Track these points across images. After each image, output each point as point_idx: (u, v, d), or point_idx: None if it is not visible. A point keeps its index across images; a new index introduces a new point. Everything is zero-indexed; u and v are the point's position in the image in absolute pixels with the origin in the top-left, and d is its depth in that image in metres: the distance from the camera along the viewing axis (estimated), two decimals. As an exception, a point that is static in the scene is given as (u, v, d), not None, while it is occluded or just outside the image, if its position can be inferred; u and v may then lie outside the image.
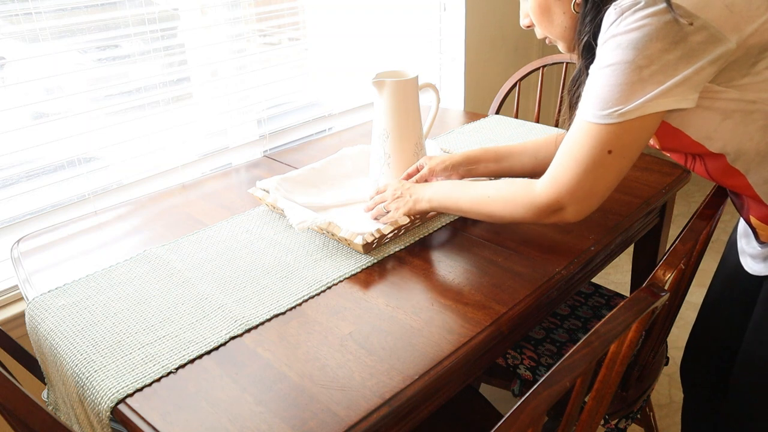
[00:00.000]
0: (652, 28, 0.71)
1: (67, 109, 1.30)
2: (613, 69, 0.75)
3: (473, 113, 1.77)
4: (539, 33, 0.94)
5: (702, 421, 1.19)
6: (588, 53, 0.83)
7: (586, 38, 0.82)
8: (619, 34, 0.73)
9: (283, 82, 1.70)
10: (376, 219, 1.09)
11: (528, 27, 0.95)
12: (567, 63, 1.73)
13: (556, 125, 1.69)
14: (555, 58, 1.77)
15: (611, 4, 0.75)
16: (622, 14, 0.73)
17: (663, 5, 0.70)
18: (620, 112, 0.75)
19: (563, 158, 0.83)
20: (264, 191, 1.19)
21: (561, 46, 0.93)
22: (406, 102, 1.14)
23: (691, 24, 0.70)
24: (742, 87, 0.75)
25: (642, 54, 0.72)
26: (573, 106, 0.89)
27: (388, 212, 1.07)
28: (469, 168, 1.14)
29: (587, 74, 0.83)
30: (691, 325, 1.16)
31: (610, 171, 0.81)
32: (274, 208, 1.16)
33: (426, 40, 2.12)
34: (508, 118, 1.68)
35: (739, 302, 1.02)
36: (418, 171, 1.14)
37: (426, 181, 1.12)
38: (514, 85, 1.81)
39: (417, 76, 1.15)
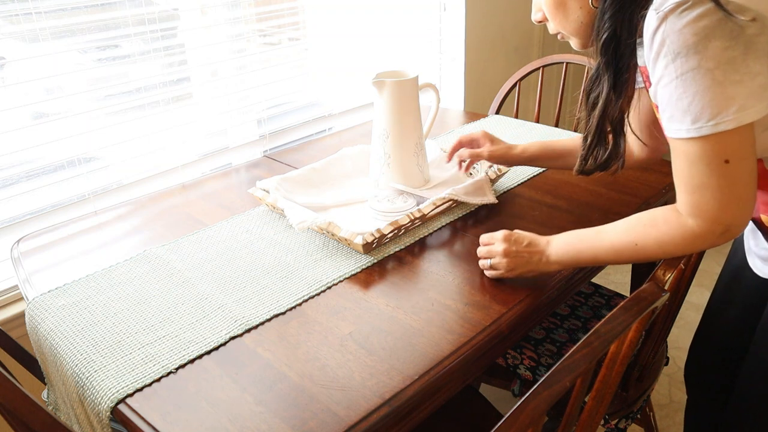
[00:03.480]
0: (706, 28, 0.67)
1: (67, 109, 1.30)
2: (683, 80, 0.70)
3: (473, 113, 1.77)
4: (552, 28, 0.90)
5: (705, 423, 1.18)
6: (606, 51, 0.79)
7: (605, 35, 0.78)
8: (671, 43, 0.69)
9: (283, 82, 1.70)
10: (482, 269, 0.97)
11: (540, 22, 0.91)
12: (567, 63, 1.73)
13: (557, 125, 1.69)
14: (555, 58, 1.76)
15: (645, 7, 0.71)
16: (665, 19, 0.68)
17: (711, 5, 0.66)
18: (714, 122, 0.70)
19: (689, 186, 0.77)
20: (264, 191, 1.19)
21: (574, 43, 0.89)
22: (406, 102, 1.14)
23: (747, 18, 0.66)
24: None
25: (705, 56, 0.67)
26: (591, 106, 0.86)
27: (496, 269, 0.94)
28: (524, 164, 1.17)
29: (606, 73, 0.80)
30: (691, 325, 1.16)
31: (739, 175, 0.74)
32: (274, 208, 1.16)
33: (426, 40, 2.12)
34: (508, 118, 1.68)
35: (744, 304, 1.01)
36: (470, 139, 1.16)
37: (478, 157, 1.15)
38: (514, 85, 1.81)
39: (417, 76, 1.15)
